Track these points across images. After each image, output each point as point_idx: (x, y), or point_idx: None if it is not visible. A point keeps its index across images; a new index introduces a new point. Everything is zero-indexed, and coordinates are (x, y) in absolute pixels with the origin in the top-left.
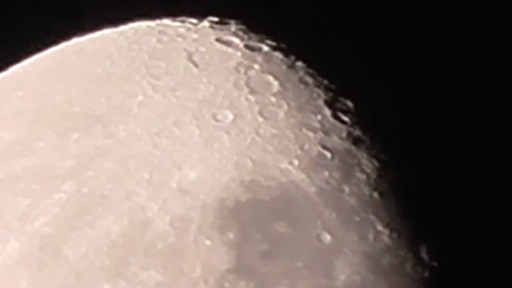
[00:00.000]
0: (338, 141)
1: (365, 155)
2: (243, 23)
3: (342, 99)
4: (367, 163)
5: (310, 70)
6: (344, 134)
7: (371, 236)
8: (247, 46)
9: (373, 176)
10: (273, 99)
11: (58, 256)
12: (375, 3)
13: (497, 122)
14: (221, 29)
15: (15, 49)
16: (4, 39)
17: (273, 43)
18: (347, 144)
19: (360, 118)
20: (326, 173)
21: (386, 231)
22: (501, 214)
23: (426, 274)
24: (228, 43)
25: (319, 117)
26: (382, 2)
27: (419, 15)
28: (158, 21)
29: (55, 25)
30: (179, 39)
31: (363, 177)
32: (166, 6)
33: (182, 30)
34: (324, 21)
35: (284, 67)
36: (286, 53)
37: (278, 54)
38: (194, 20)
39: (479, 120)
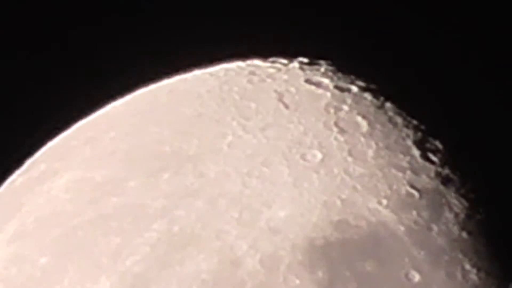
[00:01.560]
0: (426, 180)
1: (453, 195)
2: (332, 64)
3: (431, 139)
4: (456, 203)
5: (399, 111)
6: (432, 174)
7: (459, 275)
8: (336, 87)
9: (462, 215)
10: (362, 139)
11: None
12: (459, 46)
13: None
14: (310, 70)
15: (107, 89)
16: (96, 79)
17: (363, 84)
18: (436, 184)
19: (449, 158)
20: (415, 213)
21: (474, 270)
22: None
23: None
24: (318, 84)
25: (408, 157)
26: (466, 45)
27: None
28: (248, 62)
29: (146, 66)
30: (269, 80)
31: (451, 216)
32: (256, 47)
33: (272, 70)
34: (413, 62)
35: (373, 107)
36: (375, 94)
37: (367, 95)
38: (284, 61)
39: None
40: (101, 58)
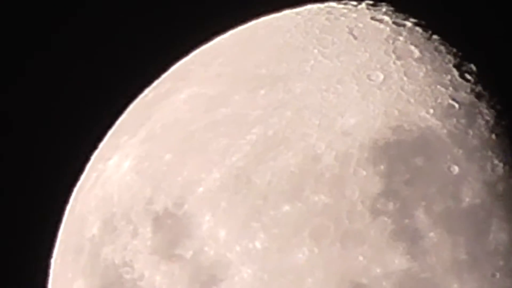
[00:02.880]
0: (464, 95)
1: (485, 106)
2: (392, 5)
3: (467, 63)
4: (487, 112)
5: (443, 41)
6: (468, 90)
7: (489, 168)
8: (394, 23)
9: (491, 122)
10: (414, 63)
11: (249, 183)
12: None
13: None
14: (374, 10)
15: (217, 25)
16: (207, 17)
17: (415, 20)
18: (471, 98)
19: (481, 78)
20: (455, 120)
21: (501, 164)
22: None
23: None
24: (380, 21)
25: (449, 77)
26: None
27: None
28: (326, 4)
29: (248, 7)
30: (342, 18)
31: (483, 122)
32: None
33: (344, 10)
34: (454, 4)
35: (423, 39)
36: (425, 28)
37: (418, 29)
38: (354, 3)
39: None
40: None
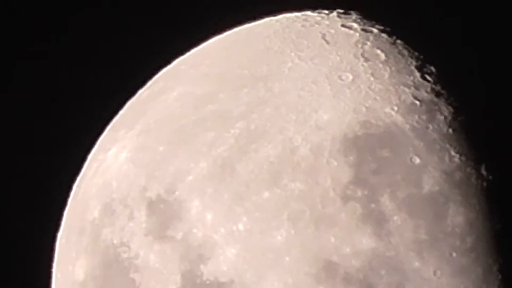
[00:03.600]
0: (424, 94)
1: (443, 103)
2: (360, 14)
3: (427, 65)
4: (445, 109)
5: (406, 46)
6: (429, 89)
7: (447, 159)
8: (362, 29)
9: (449, 118)
10: (380, 65)
11: (233, 172)
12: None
13: None
14: (345, 18)
15: (205, 31)
16: (196, 24)
17: (381, 27)
18: (431, 96)
19: (440, 78)
20: (416, 116)
21: (457, 155)
22: None
23: (485, 184)
24: (350, 27)
25: (411, 77)
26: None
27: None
28: (302, 13)
29: (232, 15)
30: (316, 25)
31: (442, 118)
32: (308, 2)
33: (318, 18)
34: (415, 12)
35: (388, 43)
36: (389, 34)
37: (384, 35)
38: (326, 11)
39: None
40: (200, 11)
